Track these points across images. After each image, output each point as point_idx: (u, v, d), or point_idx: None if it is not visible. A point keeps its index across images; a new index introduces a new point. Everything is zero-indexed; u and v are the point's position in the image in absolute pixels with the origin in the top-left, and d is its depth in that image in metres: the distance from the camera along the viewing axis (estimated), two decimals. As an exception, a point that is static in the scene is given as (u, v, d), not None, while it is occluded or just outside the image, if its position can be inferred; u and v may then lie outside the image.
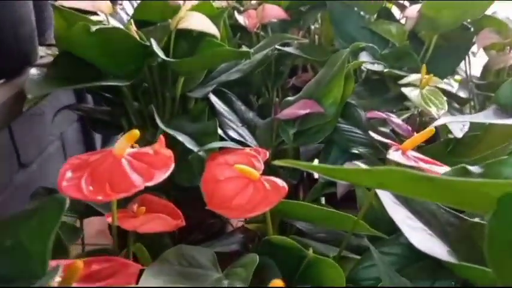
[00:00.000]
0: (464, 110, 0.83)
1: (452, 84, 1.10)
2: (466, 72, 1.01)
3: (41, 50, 0.75)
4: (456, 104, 0.80)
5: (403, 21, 1.01)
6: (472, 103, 1.01)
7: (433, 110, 0.63)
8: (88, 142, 1.11)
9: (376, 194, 0.45)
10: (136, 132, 0.36)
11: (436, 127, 0.68)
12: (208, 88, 0.74)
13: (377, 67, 0.79)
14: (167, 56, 0.73)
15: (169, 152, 0.38)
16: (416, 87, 0.67)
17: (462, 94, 1.09)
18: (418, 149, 0.63)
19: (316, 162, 0.71)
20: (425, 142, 0.71)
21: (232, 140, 0.70)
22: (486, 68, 1.02)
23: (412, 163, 0.43)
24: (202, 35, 0.75)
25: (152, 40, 0.62)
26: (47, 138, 0.97)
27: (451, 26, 0.89)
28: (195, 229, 0.75)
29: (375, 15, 0.98)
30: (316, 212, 0.47)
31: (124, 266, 0.35)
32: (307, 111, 0.60)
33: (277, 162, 0.27)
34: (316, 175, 0.78)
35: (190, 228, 0.58)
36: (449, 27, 0.89)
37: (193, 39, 0.76)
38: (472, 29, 0.97)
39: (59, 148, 1.03)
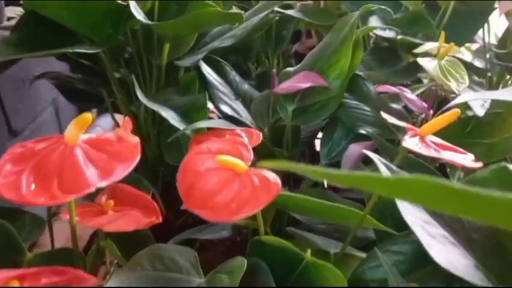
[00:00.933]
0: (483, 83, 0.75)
1: (462, 53, 1.02)
2: (483, 39, 0.92)
3: (10, 11, 0.66)
4: (475, 75, 0.72)
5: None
6: (489, 74, 0.93)
7: (453, 85, 0.55)
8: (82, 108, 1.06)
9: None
10: (87, 117, 0.29)
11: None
12: (199, 56, 0.66)
13: (388, 33, 0.71)
14: (151, 19, 0.65)
15: (135, 140, 0.31)
16: (433, 57, 0.58)
17: (478, 64, 1.00)
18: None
19: (318, 143, 0.63)
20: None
21: (225, 116, 0.62)
22: (506, 35, 0.92)
23: (433, 153, 0.35)
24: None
25: (131, 3, 0.53)
26: (40, 105, 0.93)
27: (473, -12, 0.79)
28: (184, 212, 0.68)
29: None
30: (316, 205, 0.40)
31: (79, 280, 0.29)
32: (309, 84, 0.52)
33: (265, 164, 0.20)
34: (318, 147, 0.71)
35: (180, 211, 0.52)
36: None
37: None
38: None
39: (52, 114, 0.98)
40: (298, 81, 0.53)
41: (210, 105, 0.64)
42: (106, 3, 0.52)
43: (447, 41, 0.85)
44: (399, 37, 0.66)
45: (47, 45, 0.52)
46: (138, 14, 0.52)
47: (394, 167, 0.36)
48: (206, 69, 0.68)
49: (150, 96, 0.64)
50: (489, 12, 0.86)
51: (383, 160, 0.35)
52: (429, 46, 0.62)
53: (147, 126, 0.71)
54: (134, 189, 0.40)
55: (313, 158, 0.63)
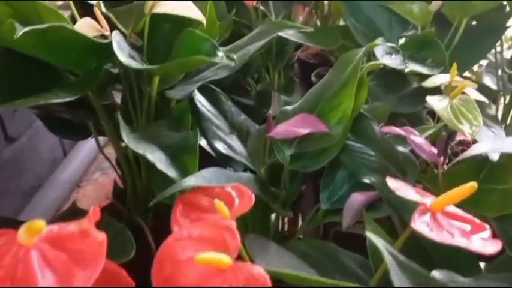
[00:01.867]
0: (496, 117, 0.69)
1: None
2: (495, 55, 0.87)
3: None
4: (488, 108, 0.67)
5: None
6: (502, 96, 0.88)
7: (465, 128, 0.50)
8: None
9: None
10: (39, 225, 0.25)
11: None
12: (191, 87, 0.61)
13: (396, 62, 0.66)
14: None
15: (101, 236, 0.27)
16: (443, 94, 0.54)
17: (489, 81, 0.95)
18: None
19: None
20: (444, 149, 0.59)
21: (219, 154, 0.58)
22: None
23: (446, 238, 0.31)
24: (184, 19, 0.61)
25: (115, 38, 0.49)
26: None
27: (487, 6, 0.74)
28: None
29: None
30: (311, 281, 0.36)
31: None
32: (308, 130, 0.47)
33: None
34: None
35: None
36: (484, 8, 0.74)
37: (175, 19, 0.62)
38: (507, 8, 0.82)
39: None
40: (296, 125, 0.48)
41: (203, 141, 0.60)
42: (86, 41, 0.47)
43: (457, 59, 0.80)
44: (407, 70, 0.60)
45: (26, 90, 0.47)
46: (122, 54, 0.48)
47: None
48: (200, 100, 0.63)
49: (138, 129, 0.60)
50: (503, 30, 0.81)
51: (388, 247, 0.30)
52: (440, 79, 0.57)
53: (136, 156, 0.67)
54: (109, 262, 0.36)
55: (316, 195, 0.58)
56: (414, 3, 0.78)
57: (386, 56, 0.68)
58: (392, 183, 0.36)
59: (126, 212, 0.72)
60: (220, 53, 0.54)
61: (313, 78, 1.23)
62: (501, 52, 0.88)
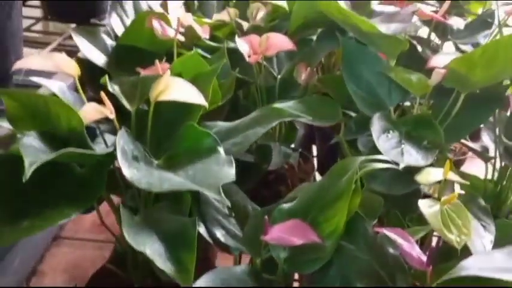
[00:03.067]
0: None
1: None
2: (494, 124, 0.88)
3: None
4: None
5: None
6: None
7: (453, 237, 0.52)
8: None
9: None
10: None
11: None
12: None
13: (391, 144, 0.67)
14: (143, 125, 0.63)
15: None
16: (435, 198, 0.55)
17: (487, 140, 0.96)
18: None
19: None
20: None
21: (217, 242, 0.60)
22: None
23: None
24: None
25: (118, 147, 0.50)
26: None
27: (485, 84, 0.76)
28: None
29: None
30: None
31: None
32: (301, 242, 0.49)
33: None
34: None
35: None
36: (482, 85, 0.76)
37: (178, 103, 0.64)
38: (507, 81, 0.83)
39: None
40: (291, 233, 0.50)
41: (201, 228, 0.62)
42: (92, 157, 0.49)
43: (452, 131, 0.82)
44: (401, 166, 0.62)
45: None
46: (126, 167, 0.49)
47: None
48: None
49: (139, 214, 0.61)
50: (501, 103, 0.82)
51: None
52: (433, 177, 0.59)
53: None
54: None
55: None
56: (413, 73, 0.80)
57: (382, 137, 0.69)
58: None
59: (125, 276, 0.74)
60: (220, 149, 0.56)
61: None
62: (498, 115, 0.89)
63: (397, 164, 0.61)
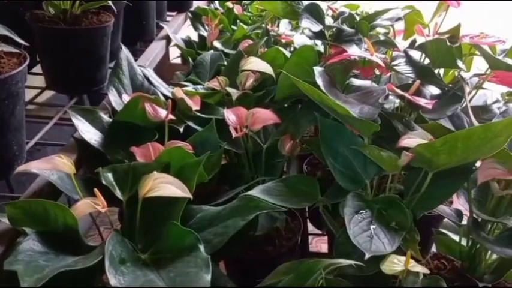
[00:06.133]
0: None
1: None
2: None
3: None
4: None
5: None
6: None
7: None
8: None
9: None
10: None
11: None
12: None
13: (361, 226, 0.73)
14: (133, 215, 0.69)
15: None
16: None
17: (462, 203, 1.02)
18: None
19: None
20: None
21: None
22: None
23: None
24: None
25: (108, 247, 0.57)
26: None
27: (450, 166, 0.82)
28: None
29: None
30: None
31: None
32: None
33: None
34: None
35: None
36: (448, 167, 0.82)
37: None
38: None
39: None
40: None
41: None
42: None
43: (428, 200, 0.88)
44: (367, 257, 0.68)
45: None
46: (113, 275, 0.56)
47: None
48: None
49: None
50: (467, 177, 0.88)
51: None
52: (396, 267, 0.65)
53: None
54: None
55: None
56: (384, 151, 0.86)
57: (353, 219, 0.76)
58: None
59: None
60: (201, 247, 0.62)
61: (304, 167, 1.32)
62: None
63: (362, 255, 0.67)
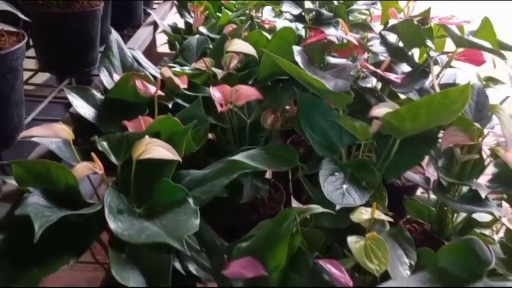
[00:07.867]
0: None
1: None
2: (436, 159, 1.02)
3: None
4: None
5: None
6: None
7: (373, 267, 0.65)
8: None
9: None
10: None
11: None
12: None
13: (335, 186, 0.81)
14: (128, 178, 0.76)
15: None
16: (361, 236, 0.69)
17: (431, 171, 1.10)
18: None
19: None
20: None
21: (190, 275, 0.73)
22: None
23: None
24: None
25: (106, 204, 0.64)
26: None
27: (415, 132, 0.90)
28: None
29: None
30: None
31: None
32: (251, 275, 0.63)
33: None
34: None
35: None
36: (414, 133, 0.90)
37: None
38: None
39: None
40: (244, 268, 0.64)
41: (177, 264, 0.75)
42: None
43: (397, 165, 0.96)
44: (337, 208, 0.76)
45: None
46: (113, 221, 0.63)
47: None
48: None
49: (127, 249, 0.75)
50: (433, 143, 0.97)
51: None
52: (364, 216, 0.73)
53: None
54: None
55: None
56: (357, 121, 0.94)
57: (328, 179, 0.83)
58: None
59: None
60: (190, 200, 0.70)
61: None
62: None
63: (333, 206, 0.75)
